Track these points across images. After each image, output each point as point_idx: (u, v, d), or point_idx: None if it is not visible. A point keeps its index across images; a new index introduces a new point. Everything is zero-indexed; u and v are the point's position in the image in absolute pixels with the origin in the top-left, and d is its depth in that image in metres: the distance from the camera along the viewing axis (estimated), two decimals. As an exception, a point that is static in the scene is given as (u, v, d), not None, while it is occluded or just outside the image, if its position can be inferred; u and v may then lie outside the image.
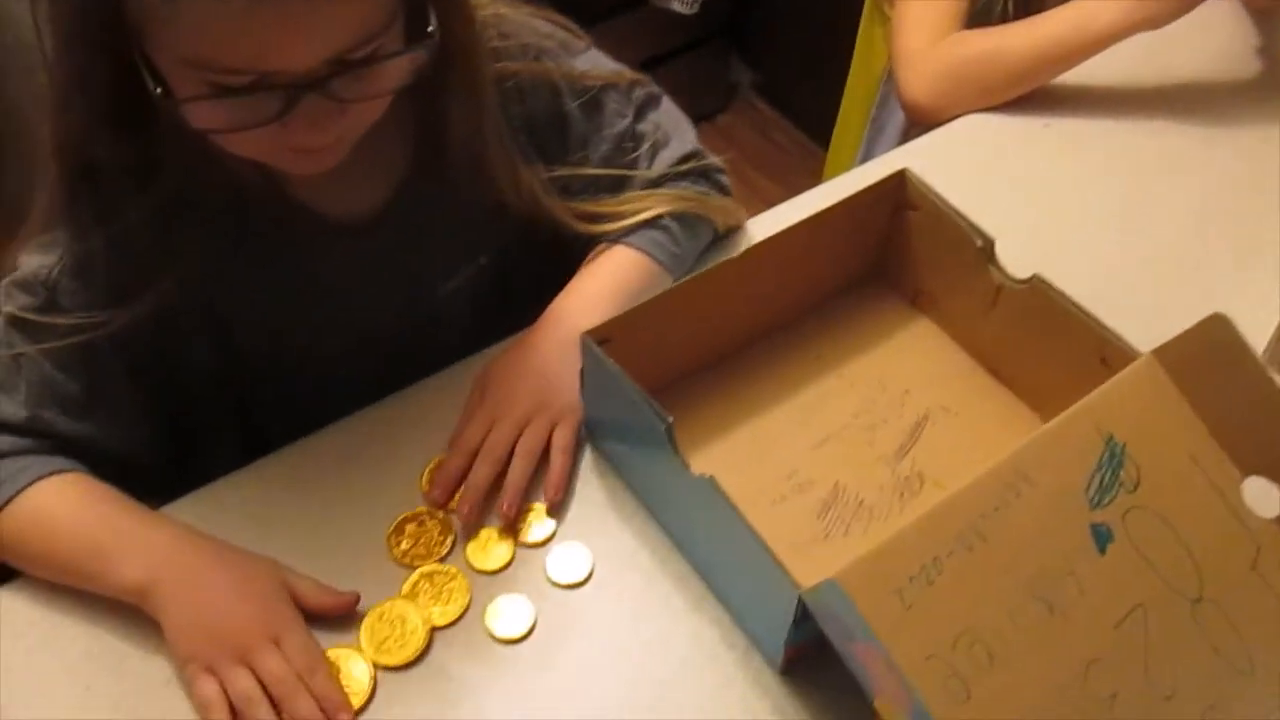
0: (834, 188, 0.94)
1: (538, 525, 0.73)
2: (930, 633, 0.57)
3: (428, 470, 0.76)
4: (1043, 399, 0.78)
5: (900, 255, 0.83)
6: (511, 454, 0.74)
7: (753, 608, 0.66)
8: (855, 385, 0.80)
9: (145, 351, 0.74)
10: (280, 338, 0.81)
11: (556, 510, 0.74)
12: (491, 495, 0.73)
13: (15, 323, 0.71)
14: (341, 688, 0.65)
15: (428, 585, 0.70)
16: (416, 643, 0.67)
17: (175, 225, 0.70)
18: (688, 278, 0.73)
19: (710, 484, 0.62)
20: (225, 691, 0.64)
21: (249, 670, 0.64)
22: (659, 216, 0.82)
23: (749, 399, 0.79)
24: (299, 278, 0.78)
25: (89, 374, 0.72)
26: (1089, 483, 0.63)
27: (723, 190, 0.88)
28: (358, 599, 0.68)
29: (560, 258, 0.84)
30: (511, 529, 0.73)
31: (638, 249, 0.81)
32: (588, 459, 0.77)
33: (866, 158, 1.31)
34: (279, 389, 0.83)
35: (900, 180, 0.79)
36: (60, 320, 0.70)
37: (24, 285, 0.71)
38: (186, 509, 0.75)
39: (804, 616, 0.60)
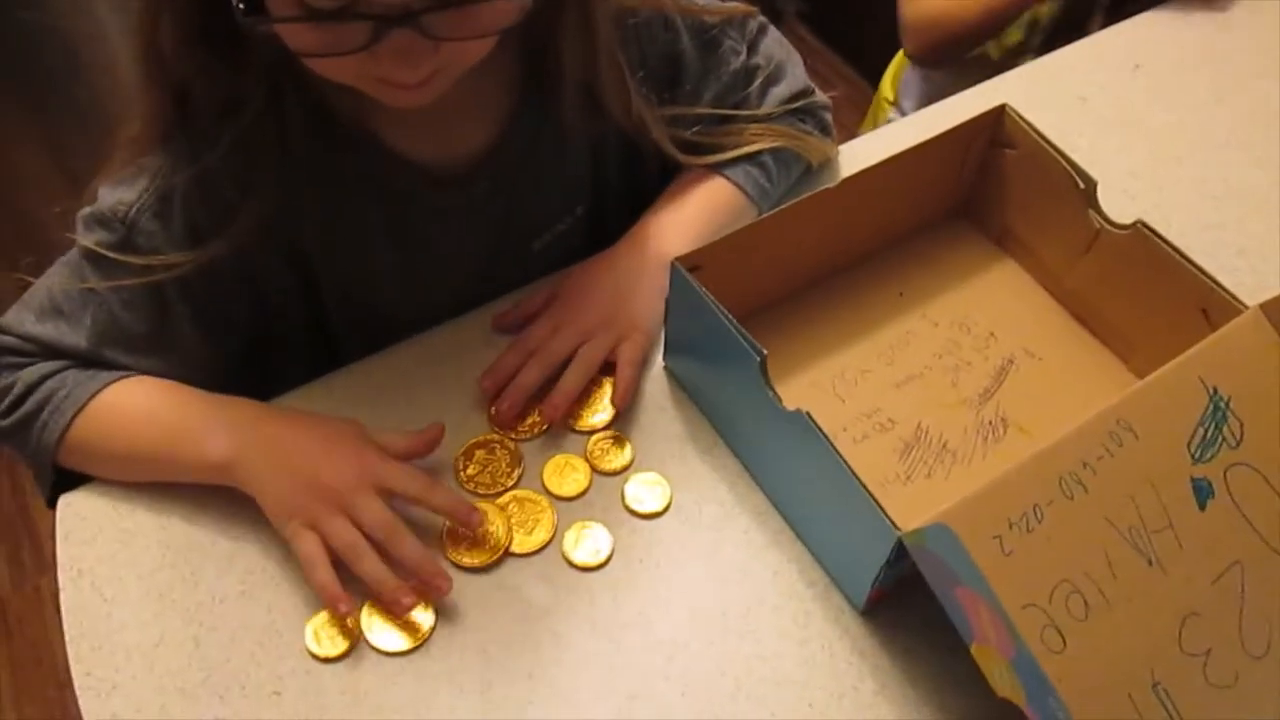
0: (923, 120, 0.92)
1: (616, 454, 0.72)
2: (1028, 581, 0.56)
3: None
4: (1132, 349, 0.76)
5: (990, 194, 0.80)
6: (568, 363, 0.73)
7: (838, 547, 0.65)
8: (939, 326, 0.78)
9: (217, 292, 0.72)
10: (360, 287, 0.79)
11: (621, 413, 0.73)
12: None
13: (90, 256, 0.69)
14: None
15: (517, 509, 0.69)
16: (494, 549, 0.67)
17: (260, 165, 0.67)
18: (779, 209, 0.71)
19: (805, 419, 0.61)
20: (327, 545, 0.64)
21: (349, 521, 0.64)
22: (759, 152, 0.80)
23: (830, 334, 0.77)
24: (385, 228, 0.76)
25: (155, 316, 0.71)
26: (1192, 436, 0.61)
27: (825, 129, 0.86)
28: (442, 430, 0.69)
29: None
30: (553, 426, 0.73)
31: (730, 181, 0.79)
32: (666, 390, 0.76)
33: (910, 98, 1.31)
34: (356, 338, 0.81)
35: (998, 116, 0.76)
36: (134, 260, 0.68)
37: (102, 220, 0.68)
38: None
39: (898, 558, 0.59)
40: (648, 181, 0.83)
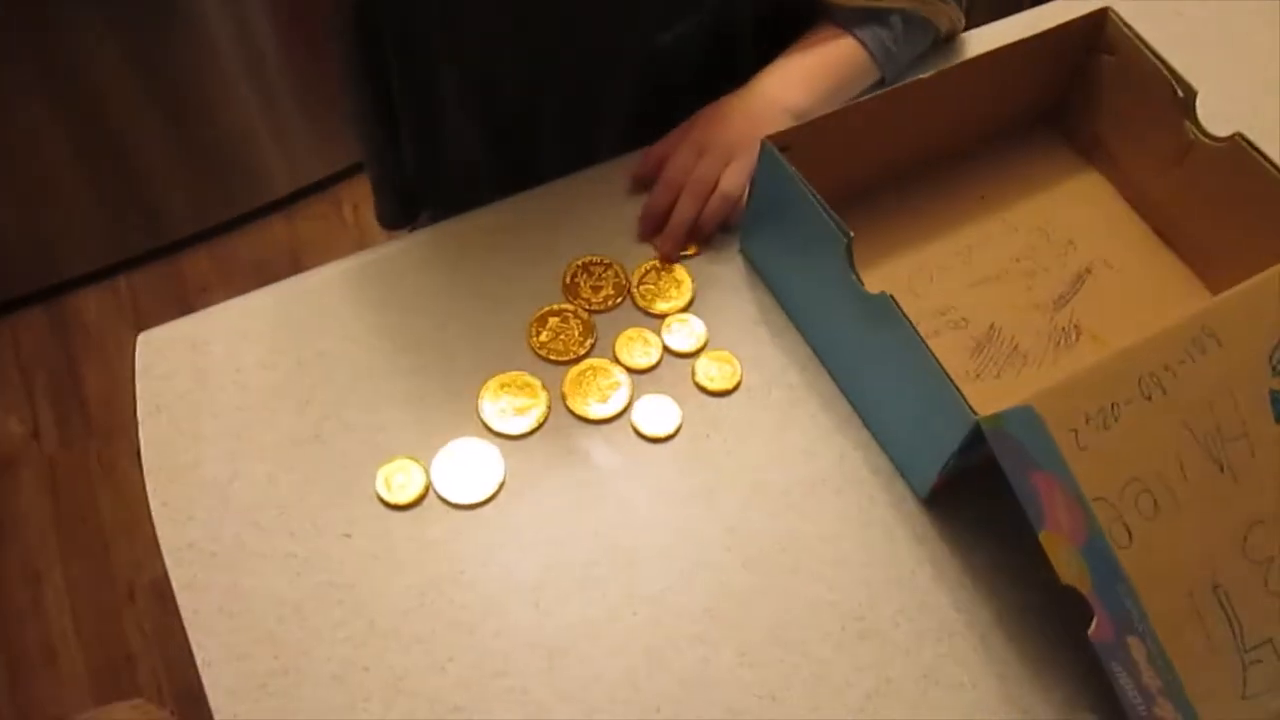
0: (1025, 20, 0.89)
1: (688, 333, 0.72)
2: (1102, 475, 0.56)
3: (571, 268, 0.75)
4: (1212, 265, 0.75)
5: (1081, 101, 0.79)
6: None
7: (907, 433, 0.66)
8: (1018, 230, 0.78)
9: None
10: (489, 60, 0.80)
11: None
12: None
13: None
14: None
15: (591, 376, 0.70)
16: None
17: None
18: (871, 95, 0.70)
19: (889, 301, 0.61)
20: None
21: None
22: (890, 10, 0.79)
23: (909, 230, 0.77)
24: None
25: None
26: (1275, 349, 0.61)
27: None
28: None
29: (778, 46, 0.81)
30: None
31: (858, 40, 0.79)
32: (740, 272, 0.76)
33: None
34: (476, 119, 0.83)
35: (1100, 20, 0.74)
36: None
37: None
38: (334, 271, 0.75)
39: (970, 445, 0.59)
40: (782, 8, 0.82)
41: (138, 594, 1.59)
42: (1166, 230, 0.77)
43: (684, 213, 0.74)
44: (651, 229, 0.76)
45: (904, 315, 0.60)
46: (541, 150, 0.87)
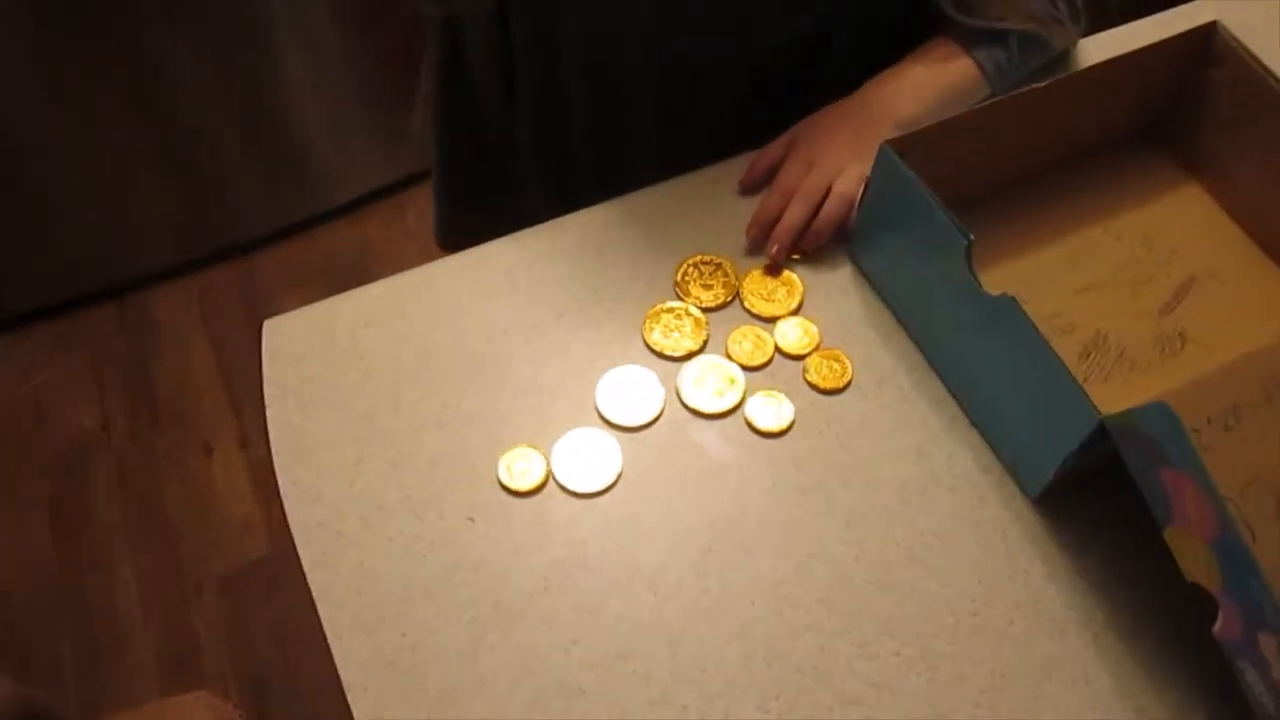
0: (1131, 32, 0.91)
1: (800, 333, 0.74)
2: (1223, 475, 0.57)
3: (683, 266, 0.77)
4: (1319, 279, 0.76)
5: (1186, 116, 0.80)
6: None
7: (1024, 433, 0.67)
8: (1121, 239, 0.79)
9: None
10: (590, 52, 0.82)
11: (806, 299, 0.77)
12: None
13: None
14: None
15: (706, 372, 0.71)
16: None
17: None
18: (980, 105, 0.72)
19: (1011, 303, 0.62)
20: None
21: None
22: (1011, 31, 0.80)
23: (1014, 237, 0.78)
24: None
25: None
26: (1393, 357, 0.62)
27: (1075, 15, 0.84)
28: None
29: (883, 57, 0.83)
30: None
31: (974, 59, 0.80)
32: (849, 276, 0.77)
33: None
34: (579, 112, 0.86)
35: (1208, 33, 0.76)
36: None
37: None
38: (444, 267, 0.77)
39: (1090, 444, 0.60)
40: (891, 13, 0.83)
41: (205, 588, 1.61)
42: (1272, 244, 0.78)
43: (794, 218, 0.75)
44: (761, 236, 0.77)
45: (1026, 316, 0.61)
46: (636, 147, 0.89)
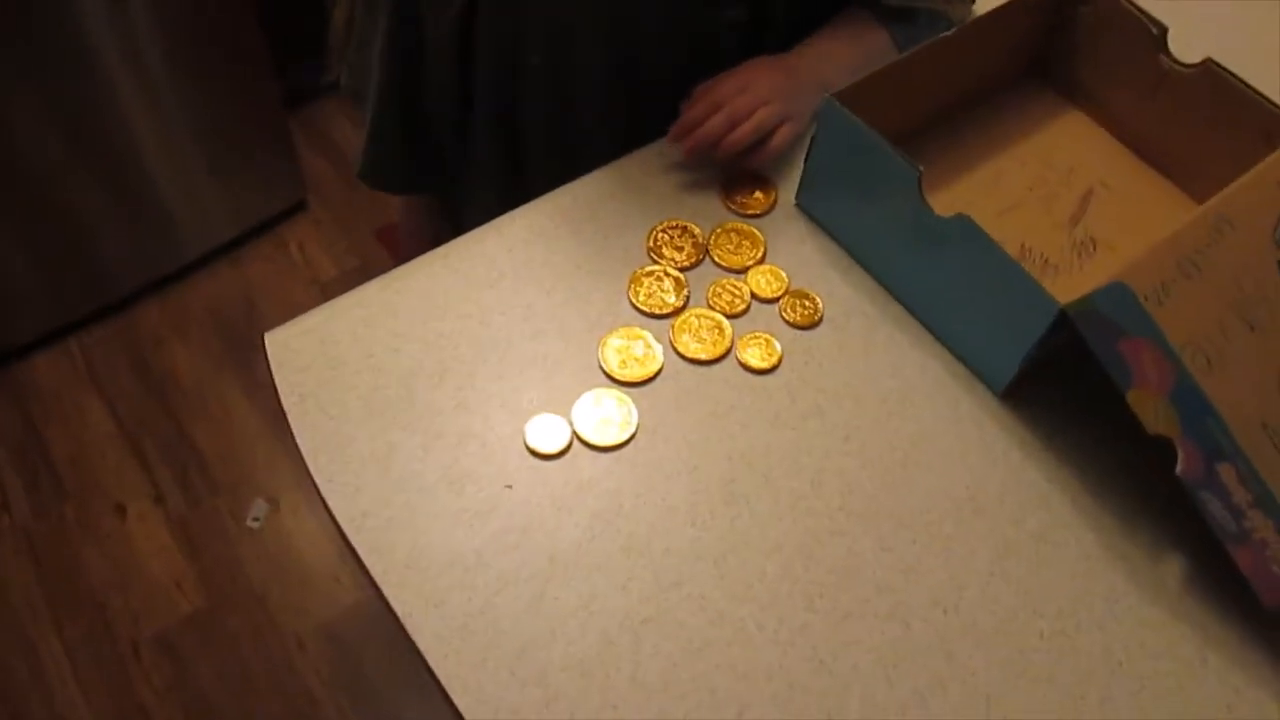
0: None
1: (770, 280, 0.80)
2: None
3: (653, 233, 0.83)
4: (1193, 179, 0.88)
5: (1064, 51, 0.91)
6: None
7: (987, 335, 0.75)
8: (1026, 164, 0.89)
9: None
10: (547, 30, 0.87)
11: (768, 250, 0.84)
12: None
13: None
14: None
15: (696, 324, 0.77)
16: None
17: None
18: (902, 57, 0.80)
19: (968, 220, 0.71)
20: None
21: None
22: (920, 10, 0.89)
23: (933, 174, 0.87)
24: None
25: None
26: (1276, 227, 0.73)
27: None
28: None
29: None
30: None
31: (889, 33, 0.89)
32: (801, 225, 0.85)
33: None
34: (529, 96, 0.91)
35: (1074, -25, 0.86)
36: None
37: None
38: (426, 263, 0.81)
39: (1048, 335, 0.70)
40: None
41: (141, 648, 1.57)
42: (1148, 152, 0.90)
43: (714, 127, 0.82)
44: (680, 134, 0.84)
45: (982, 229, 0.70)
46: (587, 126, 0.95)
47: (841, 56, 0.87)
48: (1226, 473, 0.65)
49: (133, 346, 1.87)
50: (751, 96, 0.83)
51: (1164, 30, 0.84)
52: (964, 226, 0.71)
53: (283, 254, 1.98)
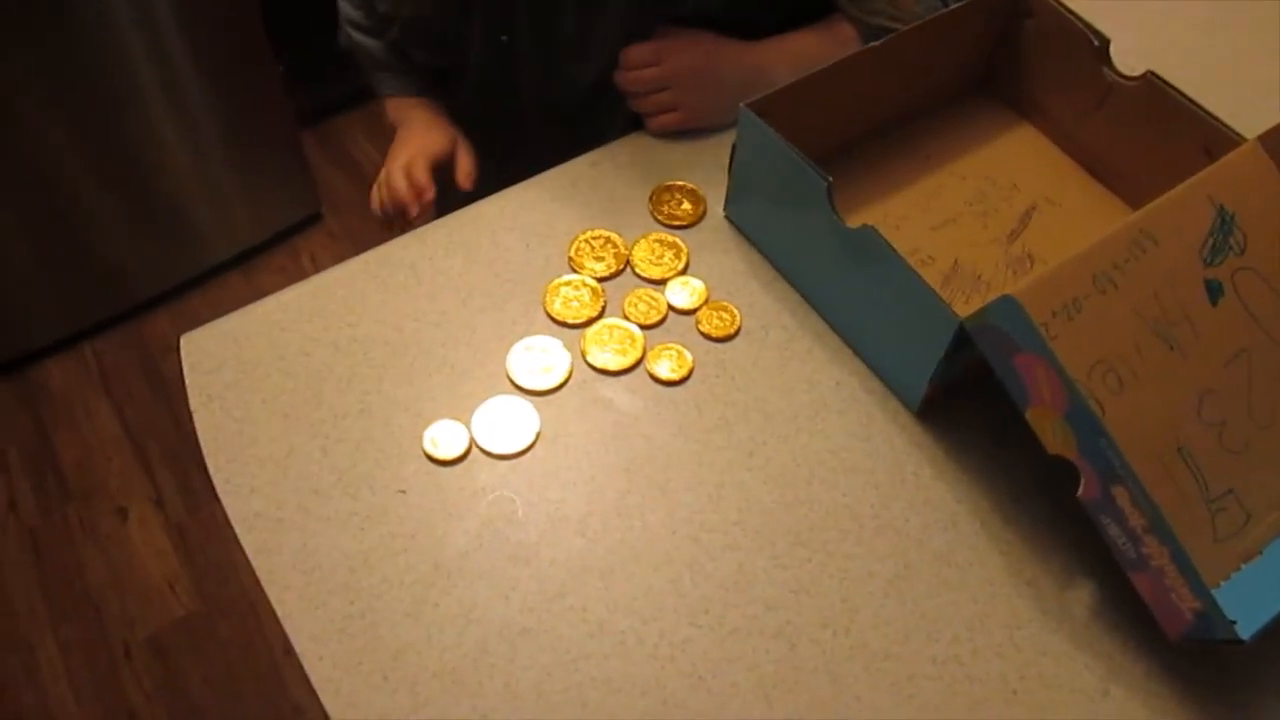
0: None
1: (686, 292, 0.79)
2: (1071, 359, 0.65)
3: (575, 242, 0.82)
4: (1140, 195, 0.85)
5: (1010, 63, 0.89)
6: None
7: (896, 351, 0.73)
8: (967, 179, 0.87)
9: None
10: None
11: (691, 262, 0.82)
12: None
13: None
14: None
15: (608, 334, 0.76)
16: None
17: None
18: (823, 68, 0.79)
19: (873, 232, 0.69)
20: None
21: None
22: (895, 29, 0.87)
23: (870, 187, 0.85)
24: None
25: None
26: (1204, 244, 0.70)
27: None
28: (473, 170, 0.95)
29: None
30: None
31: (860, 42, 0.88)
32: (729, 236, 0.84)
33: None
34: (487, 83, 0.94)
35: (1018, -13, 0.85)
36: None
37: None
38: (347, 269, 0.81)
39: (955, 350, 0.68)
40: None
41: (134, 651, 1.60)
42: (1096, 167, 0.87)
43: (624, 81, 0.86)
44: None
45: (885, 240, 0.68)
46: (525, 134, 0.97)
47: (805, 58, 0.85)
48: (1121, 496, 0.62)
49: (145, 353, 1.91)
50: (654, 74, 0.84)
51: (1106, 42, 0.81)
52: (869, 238, 0.69)
53: (295, 265, 2.01)
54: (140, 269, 1.88)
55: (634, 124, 0.90)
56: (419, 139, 0.97)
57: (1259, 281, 0.71)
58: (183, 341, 0.77)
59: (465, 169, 0.95)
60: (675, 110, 0.86)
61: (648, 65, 0.85)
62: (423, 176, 0.92)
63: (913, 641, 0.65)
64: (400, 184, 0.92)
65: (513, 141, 0.98)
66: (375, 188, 0.97)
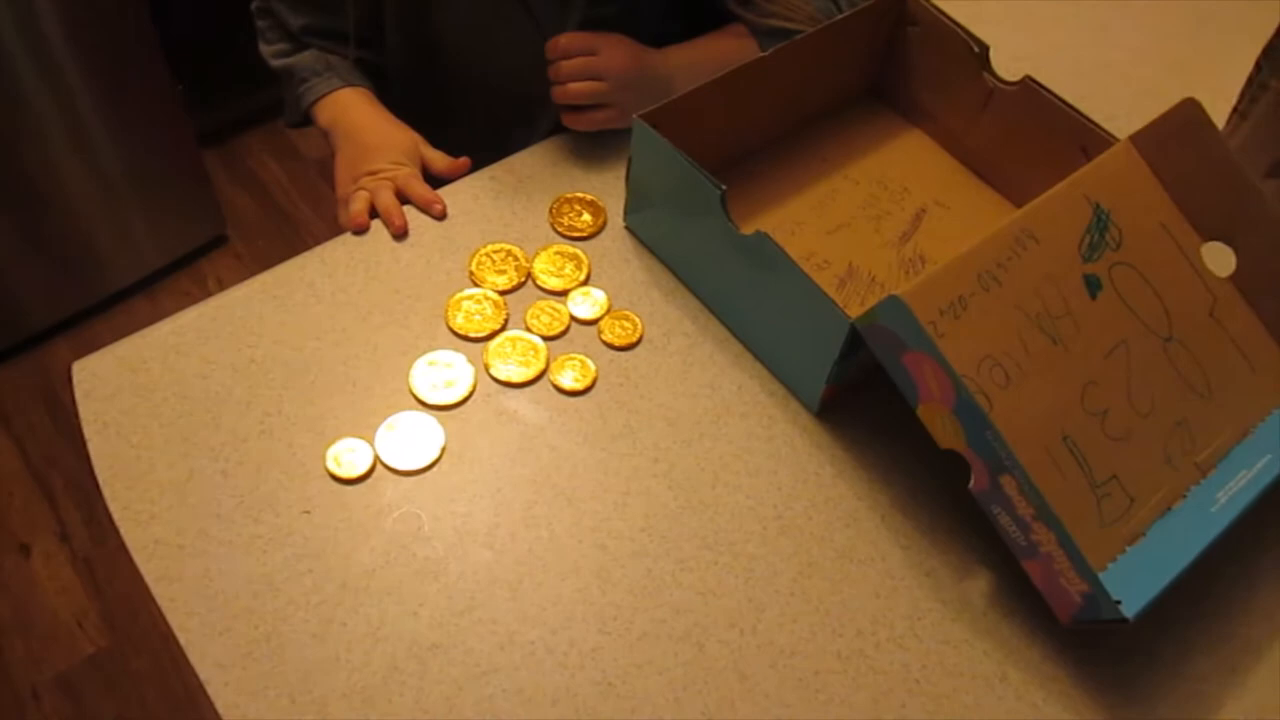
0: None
1: (590, 302, 0.80)
2: (959, 356, 0.67)
3: (476, 257, 0.82)
4: (1024, 195, 0.87)
5: (897, 71, 0.92)
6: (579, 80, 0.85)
7: (794, 354, 0.75)
8: (859, 184, 0.89)
9: None
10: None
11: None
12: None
13: None
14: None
15: (510, 347, 0.77)
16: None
17: None
18: (721, 75, 0.80)
19: (765, 237, 0.70)
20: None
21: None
22: (791, 30, 0.89)
23: (764, 193, 0.87)
24: None
25: None
26: (1081, 241, 0.73)
27: None
28: (468, 164, 0.90)
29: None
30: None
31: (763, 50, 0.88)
32: (629, 246, 0.85)
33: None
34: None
35: (900, -3, 0.87)
36: None
37: None
38: (245, 289, 0.80)
39: (849, 351, 0.69)
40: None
41: (41, 693, 1.55)
42: (982, 169, 0.90)
43: (556, 71, 0.86)
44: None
45: (777, 245, 0.70)
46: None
47: (704, 66, 0.86)
48: (1009, 485, 0.64)
49: (46, 384, 1.85)
50: (593, 66, 0.84)
51: (985, 49, 0.84)
52: (763, 244, 0.71)
53: (201, 289, 1.98)
54: (38, 298, 1.83)
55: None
56: (385, 146, 0.90)
57: (1134, 275, 0.74)
58: (75, 368, 0.76)
59: (443, 160, 0.90)
60: (609, 108, 0.86)
61: (583, 54, 0.85)
62: (425, 190, 0.87)
63: (818, 637, 0.67)
64: (390, 202, 0.85)
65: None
66: (341, 207, 0.88)
